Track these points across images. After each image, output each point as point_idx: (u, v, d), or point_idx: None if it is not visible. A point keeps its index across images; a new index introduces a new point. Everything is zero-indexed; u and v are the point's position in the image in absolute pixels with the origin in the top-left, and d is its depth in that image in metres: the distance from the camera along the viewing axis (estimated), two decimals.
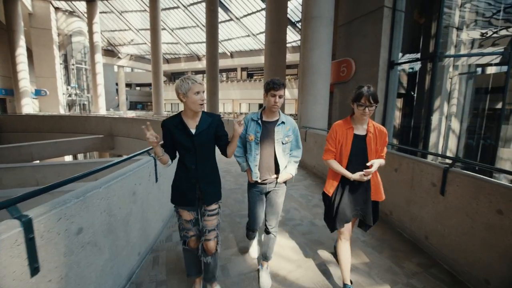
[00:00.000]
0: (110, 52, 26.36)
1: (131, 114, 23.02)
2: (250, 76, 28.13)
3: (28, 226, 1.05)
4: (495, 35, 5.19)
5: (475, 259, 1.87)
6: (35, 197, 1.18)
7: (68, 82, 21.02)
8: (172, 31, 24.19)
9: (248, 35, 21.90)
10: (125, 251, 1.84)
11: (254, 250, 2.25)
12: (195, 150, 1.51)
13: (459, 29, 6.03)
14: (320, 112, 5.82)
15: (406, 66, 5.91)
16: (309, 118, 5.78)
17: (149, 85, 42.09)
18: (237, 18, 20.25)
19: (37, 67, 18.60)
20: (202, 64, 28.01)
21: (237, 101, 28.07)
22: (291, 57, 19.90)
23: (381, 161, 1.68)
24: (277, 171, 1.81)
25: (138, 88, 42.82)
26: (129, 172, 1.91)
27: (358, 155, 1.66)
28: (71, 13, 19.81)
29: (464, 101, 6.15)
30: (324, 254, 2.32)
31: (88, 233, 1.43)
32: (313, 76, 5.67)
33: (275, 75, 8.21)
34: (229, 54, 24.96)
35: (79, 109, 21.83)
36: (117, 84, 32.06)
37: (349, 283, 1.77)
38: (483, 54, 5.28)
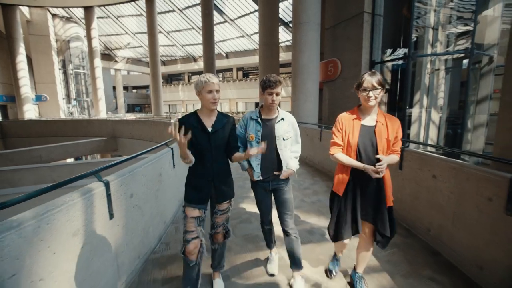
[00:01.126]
0: (107, 56, 26.68)
1: (131, 116, 23.42)
2: (245, 75, 28.66)
3: (107, 186, 1.62)
4: (460, 35, 5.80)
5: (422, 215, 2.47)
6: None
7: (67, 87, 21.41)
8: (168, 34, 24.64)
9: (243, 36, 22.43)
10: (156, 218, 2.42)
11: (273, 266, 2.04)
12: (211, 148, 1.54)
13: (434, 29, 6.65)
14: (310, 108, 6.41)
15: (387, 64, 6.52)
16: (301, 114, 6.36)
17: (145, 87, 42.56)
18: (231, 20, 20.76)
19: (36, 73, 18.97)
20: (198, 65, 28.48)
21: (233, 100, 28.60)
22: (285, 56, 20.45)
23: (394, 157, 1.56)
24: (279, 167, 1.79)
25: (134, 90, 43.19)
26: (156, 158, 2.48)
27: (367, 148, 1.54)
28: (68, 19, 20.18)
29: (442, 95, 6.79)
30: (311, 221, 2.92)
31: (136, 198, 2.00)
32: (303, 76, 6.26)
33: (270, 70, 8.78)
34: (224, 54, 25.45)
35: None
36: (114, 88, 32.47)
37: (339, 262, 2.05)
38: (448, 53, 5.89)
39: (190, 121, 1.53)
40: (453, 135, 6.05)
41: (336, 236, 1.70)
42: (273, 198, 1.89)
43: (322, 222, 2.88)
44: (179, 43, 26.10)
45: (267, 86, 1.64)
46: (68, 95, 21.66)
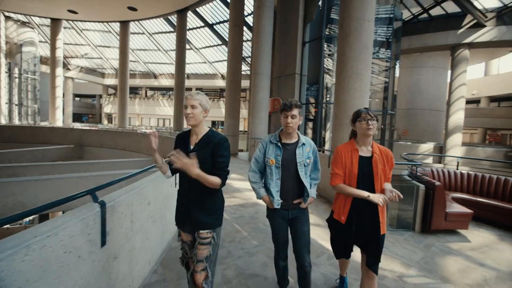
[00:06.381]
0: None
1: (78, 125, 22.94)
2: None
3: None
4: None
5: None
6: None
7: (10, 91, 20.08)
8: (133, 51, 25.72)
9: (205, 62, 25.39)
10: None
11: None
12: None
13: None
14: (263, 129, 9.59)
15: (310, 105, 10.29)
16: (256, 133, 9.46)
17: (91, 96, 40.57)
18: (196, 48, 23.61)
19: None
20: (158, 82, 29.83)
21: None
22: (243, 83, 24.20)
23: (388, 185, 1.64)
24: (299, 195, 1.75)
25: (77, 98, 40.52)
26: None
27: (365, 178, 1.62)
28: (24, 24, 19.69)
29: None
30: None
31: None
32: (259, 108, 9.47)
33: (233, 101, 11.86)
34: (185, 75, 27.76)
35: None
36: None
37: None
38: (329, 103, 9.93)
39: (182, 136, 1.58)
40: None
41: (340, 256, 1.90)
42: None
43: None
44: (142, 60, 27.31)
45: (282, 109, 1.68)
46: (10, 100, 20.26)
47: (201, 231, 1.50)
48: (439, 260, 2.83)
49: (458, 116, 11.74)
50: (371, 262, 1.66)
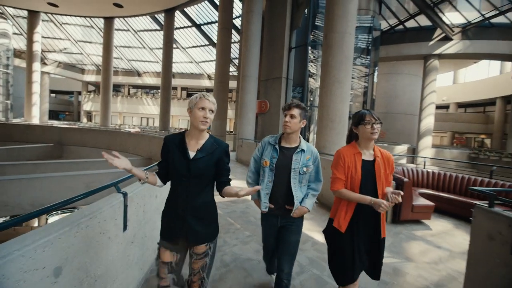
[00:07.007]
0: None
1: (55, 123, 21.97)
2: (189, 95, 31.03)
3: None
4: None
5: None
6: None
7: None
8: (116, 47, 24.99)
9: (191, 62, 25.27)
10: None
11: None
12: (189, 177, 1.35)
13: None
14: (249, 130, 9.92)
15: None
16: (244, 134, 9.77)
17: (69, 93, 38.75)
18: (183, 48, 23.46)
19: None
20: (142, 80, 29.18)
21: (176, 117, 30.22)
22: (229, 84, 24.38)
23: (389, 189, 1.57)
24: (291, 202, 1.66)
25: (53, 95, 38.50)
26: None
27: (367, 183, 1.56)
28: None
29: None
30: None
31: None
32: (247, 109, 9.79)
33: (221, 102, 12.08)
34: (172, 75, 27.44)
35: None
36: None
37: None
38: (313, 106, 10.54)
39: (174, 141, 1.41)
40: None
41: (345, 278, 1.60)
42: None
43: None
44: (125, 57, 26.60)
45: (283, 109, 1.70)
46: None
47: (196, 247, 1.42)
48: (405, 245, 3.32)
49: (428, 121, 12.81)
50: (372, 267, 1.62)
